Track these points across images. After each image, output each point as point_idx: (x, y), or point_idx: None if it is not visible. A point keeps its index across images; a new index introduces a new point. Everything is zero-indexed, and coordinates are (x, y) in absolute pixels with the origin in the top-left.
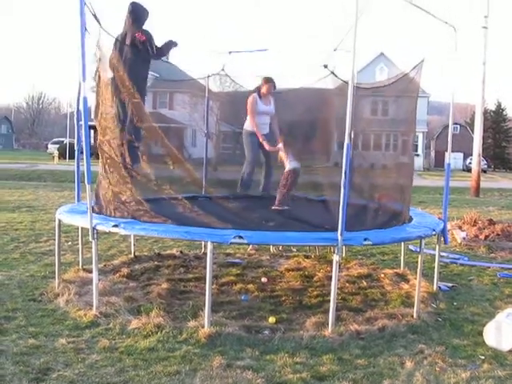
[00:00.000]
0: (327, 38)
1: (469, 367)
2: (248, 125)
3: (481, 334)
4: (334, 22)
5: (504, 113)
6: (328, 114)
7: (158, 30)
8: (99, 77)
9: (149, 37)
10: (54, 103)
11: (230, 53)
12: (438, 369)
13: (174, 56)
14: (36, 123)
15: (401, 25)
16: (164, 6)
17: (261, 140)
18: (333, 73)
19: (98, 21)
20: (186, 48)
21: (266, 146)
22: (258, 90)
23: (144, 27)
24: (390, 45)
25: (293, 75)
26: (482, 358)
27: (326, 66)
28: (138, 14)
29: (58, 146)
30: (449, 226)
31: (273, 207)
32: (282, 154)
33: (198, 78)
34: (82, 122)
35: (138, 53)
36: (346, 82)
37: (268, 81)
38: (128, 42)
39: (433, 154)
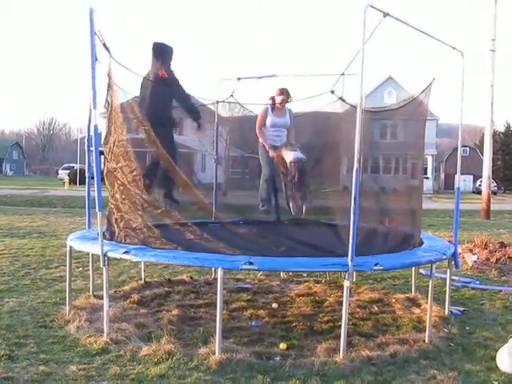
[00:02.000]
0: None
1: None
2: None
3: (494, 358)
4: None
5: None
6: (337, 138)
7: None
8: (110, 105)
9: (171, 76)
10: (65, 129)
11: (238, 79)
12: None
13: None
14: (47, 149)
15: (409, 48)
16: (167, 9)
17: (266, 147)
18: (341, 98)
19: (107, 50)
20: (196, 72)
21: (271, 152)
22: (271, 101)
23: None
24: (398, 68)
25: (300, 99)
26: (495, 383)
27: (333, 92)
28: (160, 54)
29: (68, 171)
30: (459, 250)
31: (293, 214)
32: (284, 154)
33: (208, 103)
34: (93, 148)
35: (162, 90)
36: (355, 107)
37: (282, 92)
38: (152, 78)
39: (442, 176)
